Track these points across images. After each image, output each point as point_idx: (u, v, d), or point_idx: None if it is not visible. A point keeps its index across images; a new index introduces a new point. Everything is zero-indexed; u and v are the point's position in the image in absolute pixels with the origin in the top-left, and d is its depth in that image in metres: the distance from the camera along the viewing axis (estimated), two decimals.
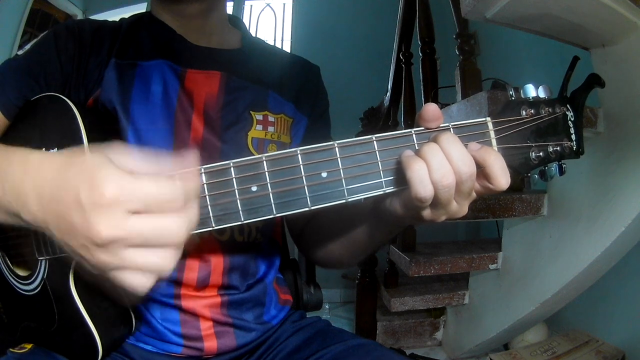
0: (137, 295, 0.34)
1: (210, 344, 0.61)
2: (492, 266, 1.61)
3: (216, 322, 0.62)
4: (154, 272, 0.34)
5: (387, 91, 2.15)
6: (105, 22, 0.66)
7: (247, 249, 0.65)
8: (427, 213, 0.41)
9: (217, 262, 0.61)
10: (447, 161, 0.38)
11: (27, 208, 0.36)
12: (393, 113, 2.11)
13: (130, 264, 0.33)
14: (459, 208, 0.41)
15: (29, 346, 0.58)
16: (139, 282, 0.34)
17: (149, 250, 0.33)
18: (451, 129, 0.41)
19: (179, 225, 0.33)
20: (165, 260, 0.33)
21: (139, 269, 0.33)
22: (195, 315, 0.60)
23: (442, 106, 1.61)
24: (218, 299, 0.62)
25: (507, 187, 0.39)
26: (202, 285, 0.61)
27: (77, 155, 0.34)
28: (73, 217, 0.32)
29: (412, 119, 1.84)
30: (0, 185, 0.37)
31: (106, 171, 0.32)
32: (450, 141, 0.38)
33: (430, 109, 0.40)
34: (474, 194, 0.41)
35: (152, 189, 0.32)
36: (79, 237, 0.33)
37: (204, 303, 0.61)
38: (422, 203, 0.39)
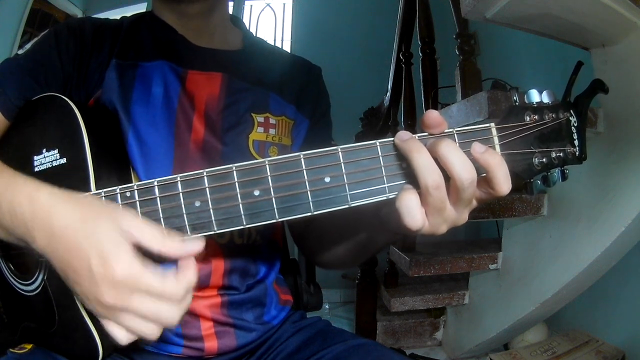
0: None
1: (211, 344, 0.61)
2: (492, 266, 1.61)
3: (216, 322, 0.61)
4: (137, 334, 0.39)
5: (387, 91, 2.15)
6: (106, 21, 0.65)
7: (247, 251, 0.65)
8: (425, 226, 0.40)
9: (217, 264, 0.61)
10: (442, 177, 0.37)
11: (35, 244, 0.39)
12: (393, 113, 2.10)
13: (120, 321, 0.38)
14: (459, 216, 0.41)
15: (29, 346, 0.57)
16: (120, 334, 0.39)
17: (141, 321, 0.38)
18: (455, 135, 0.40)
19: (174, 313, 0.38)
20: (151, 332, 0.38)
21: (124, 326, 0.38)
22: (195, 315, 0.60)
23: (442, 106, 1.62)
24: (218, 299, 0.62)
25: (508, 192, 0.38)
26: (203, 285, 0.61)
27: (90, 215, 0.37)
28: (82, 278, 0.37)
29: (412, 119, 1.85)
30: (9, 217, 0.39)
31: (118, 251, 0.36)
32: (450, 148, 0.37)
33: (432, 116, 0.39)
34: (474, 202, 0.41)
35: (156, 282, 0.36)
36: (85, 291, 0.37)
37: (205, 303, 0.61)
38: (414, 232, 0.39)
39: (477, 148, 0.38)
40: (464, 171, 0.37)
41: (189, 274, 0.39)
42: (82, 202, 0.39)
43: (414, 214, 0.38)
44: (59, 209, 0.38)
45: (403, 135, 0.39)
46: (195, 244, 0.39)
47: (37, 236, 0.38)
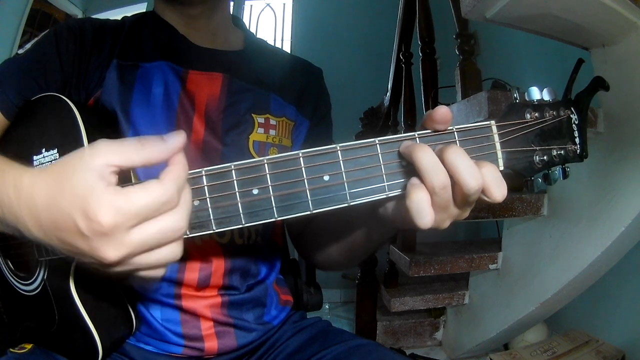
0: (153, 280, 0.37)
1: (211, 344, 0.61)
2: (492, 266, 1.61)
3: (217, 322, 0.61)
4: (165, 265, 0.37)
5: (387, 91, 2.15)
6: (107, 21, 0.65)
7: (247, 251, 0.64)
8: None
9: (218, 264, 0.61)
10: (449, 178, 0.37)
11: (28, 231, 0.37)
12: (393, 113, 2.10)
13: (141, 267, 0.36)
14: (462, 213, 0.40)
15: (29, 346, 0.57)
16: (152, 274, 0.37)
17: (156, 252, 0.35)
18: (455, 133, 0.40)
19: (177, 221, 0.35)
20: (173, 253, 0.36)
21: (150, 268, 0.36)
22: (195, 315, 0.60)
23: None
24: (219, 299, 0.62)
25: (502, 199, 0.38)
26: (203, 285, 0.61)
27: (65, 174, 0.34)
28: (77, 244, 0.34)
29: (412, 119, 1.85)
30: (2, 208, 0.38)
31: (97, 197, 0.32)
32: (458, 154, 0.37)
33: (442, 111, 0.39)
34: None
35: (144, 199, 0.33)
36: (88, 258, 0.35)
37: (205, 303, 0.61)
38: (419, 228, 0.38)
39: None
40: (471, 179, 0.36)
41: (174, 169, 0.35)
42: (55, 166, 0.36)
43: (424, 213, 0.37)
44: (38, 186, 0.35)
45: (405, 142, 0.39)
46: (177, 137, 0.36)
47: (27, 222, 0.36)
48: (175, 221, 0.34)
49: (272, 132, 0.66)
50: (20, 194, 0.36)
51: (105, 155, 0.34)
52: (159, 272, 0.37)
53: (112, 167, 0.34)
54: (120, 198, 0.33)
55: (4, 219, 0.38)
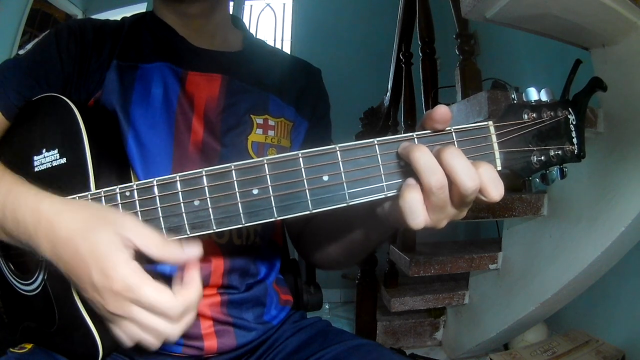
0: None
1: (211, 343, 0.61)
2: (492, 266, 1.61)
3: (216, 321, 0.62)
4: (145, 342, 0.40)
5: (387, 91, 2.15)
6: (107, 22, 0.65)
7: (246, 251, 0.65)
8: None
9: (217, 264, 0.61)
10: (445, 179, 0.37)
11: (41, 252, 0.41)
12: (393, 113, 2.10)
13: (126, 329, 0.39)
14: (459, 213, 0.41)
15: (29, 346, 0.58)
16: (137, 338, 0.40)
17: (143, 333, 0.39)
18: (453, 134, 0.40)
19: (171, 330, 0.39)
20: (153, 342, 0.40)
21: (133, 335, 0.40)
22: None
23: None
24: (218, 298, 0.62)
25: (499, 199, 0.38)
26: (203, 285, 0.60)
27: (91, 224, 0.38)
28: (86, 286, 0.38)
29: (412, 119, 1.85)
30: (14, 225, 0.41)
31: (117, 262, 0.37)
32: (455, 155, 0.37)
33: (442, 110, 0.39)
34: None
35: (152, 297, 0.37)
36: (90, 298, 0.39)
37: (205, 302, 0.61)
38: (415, 229, 0.39)
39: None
40: (468, 179, 0.36)
41: (190, 292, 0.39)
42: (83, 210, 0.40)
43: (417, 213, 0.38)
44: (61, 219, 0.39)
45: (404, 143, 0.39)
46: (194, 249, 0.40)
47: (42, 244, 0.40)
48: (169, 331, 0.39)
49: (270, 132, 0.66)
50: (39, 220, 0.40)
51: (132, 234, 0.38)
52: (129, 341, 0.40)
53: (133, 245, 0.38)
54: (138, 278, 0.37)
55: (17, 236, 0.42)
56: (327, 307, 2.68)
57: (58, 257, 0.39)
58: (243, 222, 0.39)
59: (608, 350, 1.41)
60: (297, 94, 0.71)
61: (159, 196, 0.41)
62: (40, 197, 0.41)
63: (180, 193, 0.41)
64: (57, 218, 0.39)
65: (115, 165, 0.55)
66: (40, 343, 0.58)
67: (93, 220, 0.39)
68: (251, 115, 0.65)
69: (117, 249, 0.37)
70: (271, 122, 0.66)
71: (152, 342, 0.40)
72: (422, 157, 0.37)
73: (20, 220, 0.40)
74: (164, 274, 0.56)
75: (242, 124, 0.64)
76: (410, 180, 0.38)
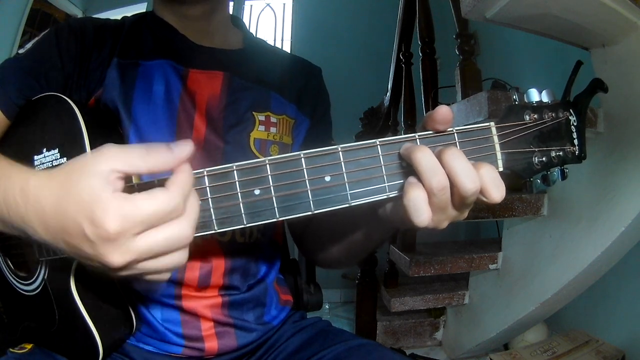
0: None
1: (211, 345, 0.61)
2: (492, 266, 1.61)
3: (217, 323, 0.62)
4: (170, 270, 0.37)
5: (387, 91, 2.15)
6: (107, 21, 0.65)
7: (248, 250, 0.65)
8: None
9: (218, 263, 0.61)
10: (447, 179, 0.37)
11: (35, 233, 0.37)
12: (393, 113, 2.11)
13: (146, 272, 0.36)
14: (460, 214, 0.41)
15: (29, 346, 0.58)
16: (157, 278, 0.37)
17: (161, 258, 0.36)
18: (455, 134, 0.40)
19: (184, 229, 0.35)
20: (179, 259, 0.36)
21: (155, 273, 0.37)
22: (196, 315, 0.60)
23: None
24: (219, 299, 0.62)
25: (501, 200, 0.38)
26: (203, 285, 0.61)
27: (71, 179, 0.35)
28: (84, 248, 0.35)
29: (412, 119, 1.85)
30: (5, 210, 0.38)
31: (103, 203, 0.33)
32: (456, 156, 0.37)
33: (443, 111, 0.39)
34: None
35: (150, 207, 0.33)
36: (94, 262, 0.35)
37: (205, 303, 0.61)
38: (418, 228, 0.39)
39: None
40: (468, 181, 0.36)
41: (181, 177, 0.35)
42: (61, 170, 0.36)
43: (421, 211, 0.37)
44: (45, 191, 0.36)
45: (406, 144, 0.39)
46: (184, 147, 0.36)
47: (34, 224, 0.37)
48: (182, 230, 0.35)
49: (272, 129, 0.66)
50: (27, 198, 0.37)
51: (110, 161, 0.34)
52: (164, 277, 0.38)
53: (117, 172, 0.34)
54: (127, 205, 0.33)
55: (10, 221, 0.39)
56: (327, 307, 2.68)
57: (52, 234, 0.36)
58: (245, 223, 0.39)
59: (608, 350, 1.41)
60: (298, 92, 0.71)
61: None
62: (27, 175, 0.38)
63: None
64: (42, 192, 0.36)
65: None
66: (40, 343, 0.58)
67: (71, 175, 0.35)
68: (253, 112, 0.65)
69: (100, 190, 0.33)
70: (273, 119, 0.67)
71: (179, 257, 0.36)
72: (424, 158, 0.37)
73: (12, 202, 0.38)
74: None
75: (244, 120, 0.64)
76: (412, 179, 0.38)
